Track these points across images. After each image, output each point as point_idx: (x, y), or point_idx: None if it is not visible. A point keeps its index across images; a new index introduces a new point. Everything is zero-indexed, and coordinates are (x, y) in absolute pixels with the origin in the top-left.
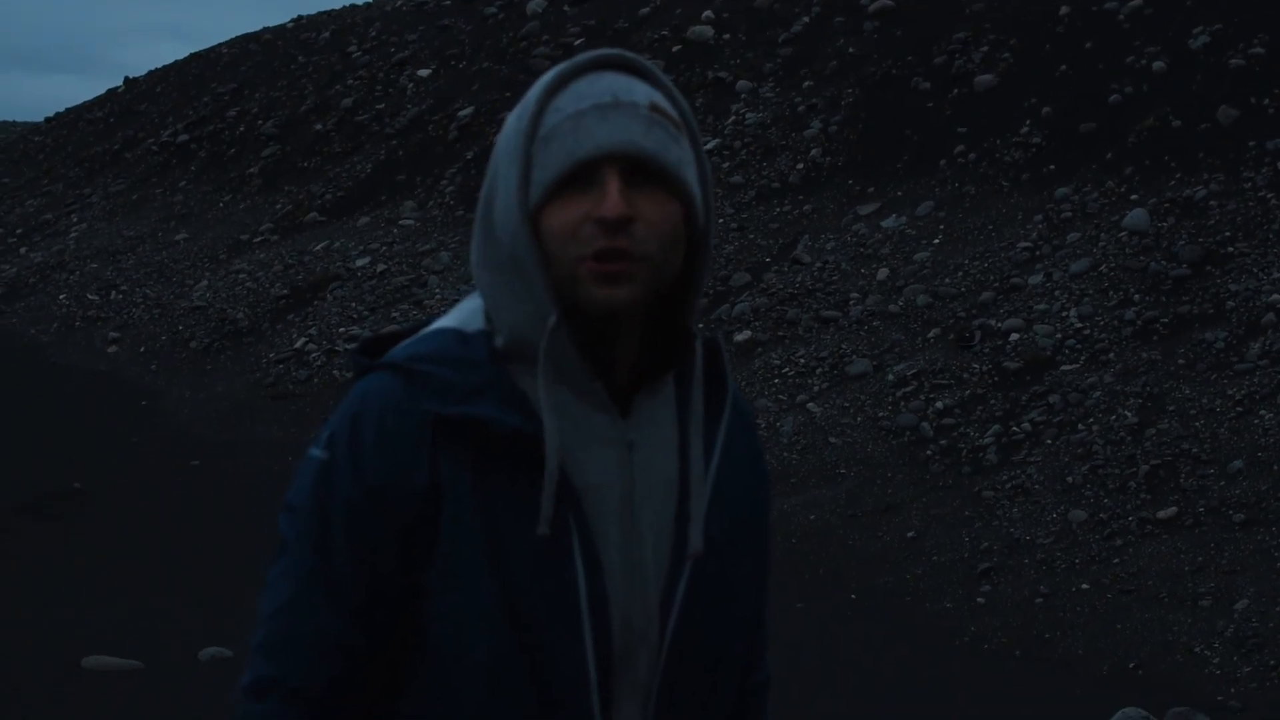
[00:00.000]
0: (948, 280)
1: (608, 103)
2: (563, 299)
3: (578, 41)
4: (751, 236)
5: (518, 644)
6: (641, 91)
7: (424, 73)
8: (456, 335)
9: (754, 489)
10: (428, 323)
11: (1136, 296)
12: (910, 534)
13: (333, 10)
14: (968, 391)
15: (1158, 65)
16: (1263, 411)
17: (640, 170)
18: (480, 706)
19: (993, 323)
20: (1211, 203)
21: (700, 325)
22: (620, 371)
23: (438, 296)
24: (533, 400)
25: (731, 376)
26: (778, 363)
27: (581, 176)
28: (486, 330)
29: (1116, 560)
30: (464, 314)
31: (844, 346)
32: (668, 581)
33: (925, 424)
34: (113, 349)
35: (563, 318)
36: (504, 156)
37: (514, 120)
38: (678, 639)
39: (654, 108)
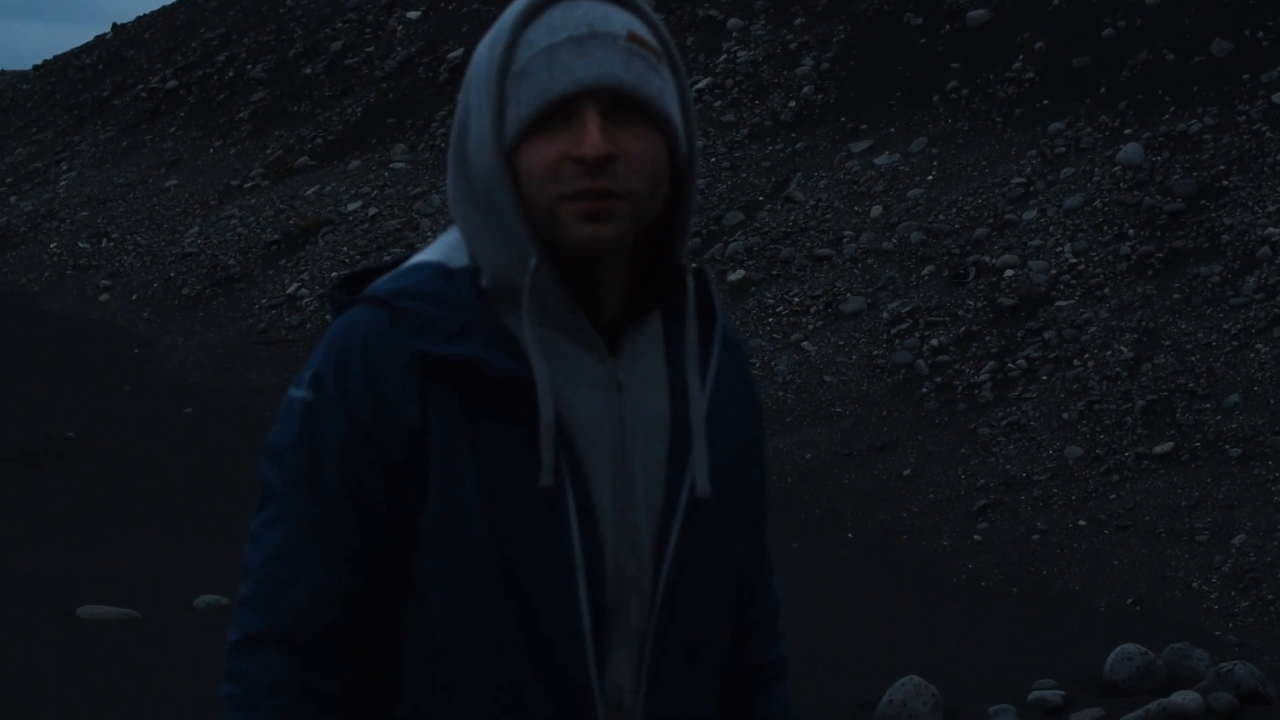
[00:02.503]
0: (941, 217)
1: (584, 34)
2: (543, 238)
3: None
4: (744, 175)
5: (510, 591)
6: (619, 20)
7: (413, 15)
8: (441, 270)
9: (746, 424)
10: (407, 257)
11: (1131, 231)
12: (906, 472)
13: None
14: (963, 329)
15: None
16: (1259, 345)
17: (620, 104)
18: (472, 654)
19: (987, 259)
20: (1205, 136)
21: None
22: (606, 309)
23: (430, 239)
24: (519, 340)
25: (720, 308)
26: (771, 302)
27: (559, 112)
28: (471, 266)
29: (1113, 496)
30: (446, 248)
31: (838, 285)
32: (660, 527)
33: (920, 361)
34: (104, 297)
35: (544, 258)
36: (476, 91)
37: (485, 52)
38: (671, 586)
39: (632, 37)
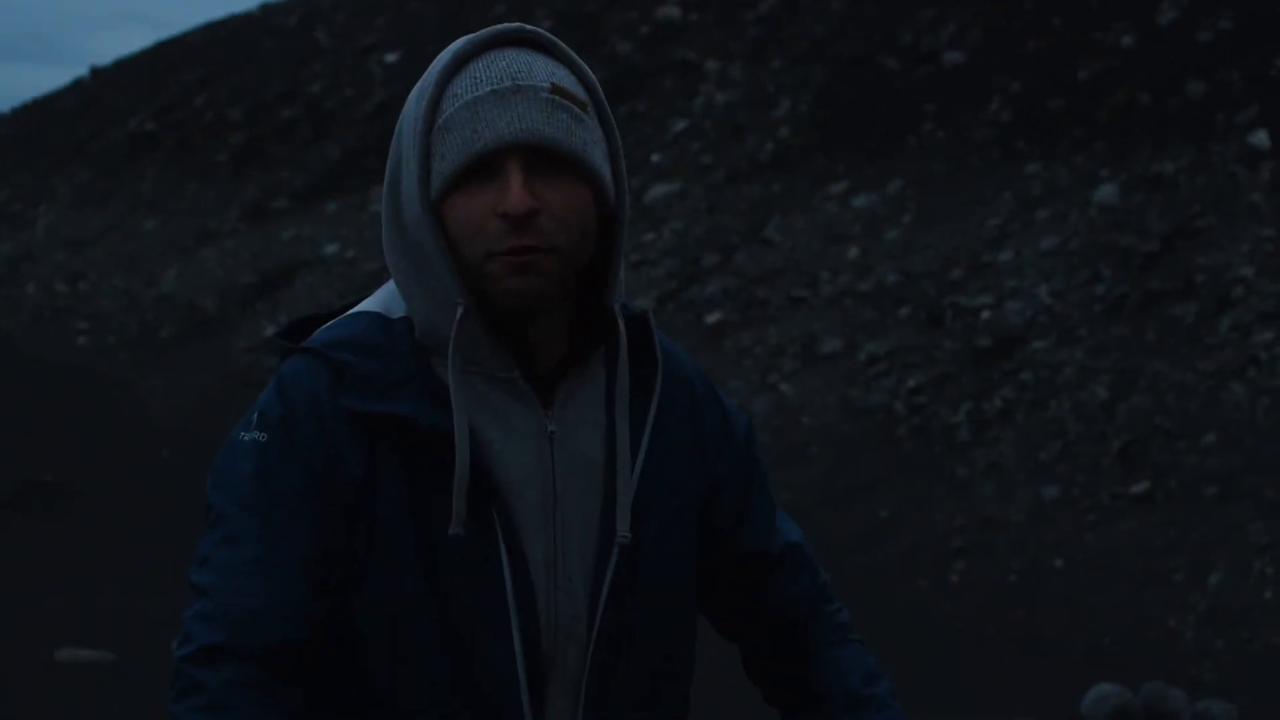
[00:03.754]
0: (918, 258)
1: (506, 87)
2: (473, 289)
3: (545, 24)
4: (721, 217)
5: (447, 642)
6: (543, 71)
7: (391, 58)
8: (379, 321)
9: (701, 466)
10: (352, 304)
11: (1107, 272)
12: (884, 513)
13: None
14: (939, 370)
15: (1126, 41)
16: (1234, 385)
17: (544, 157)
18: (409, 703)
19: (963, 300)
20: (1181, 177)
21: (647, 306)
22: (542, 359)
23: None
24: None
25: (660, 350)
26: (749, 343)
27: (483, 167)
28: (409, 317)
29: (1089, 537)
30: (387, 297)
31: (815, 326)
32: (595, 574)
33: (897, 403)
34: (82, 339)
35: (473, 308)
36: (405, 143)
37: (413, 104)
38: (605, 634)
39: (555, 89)
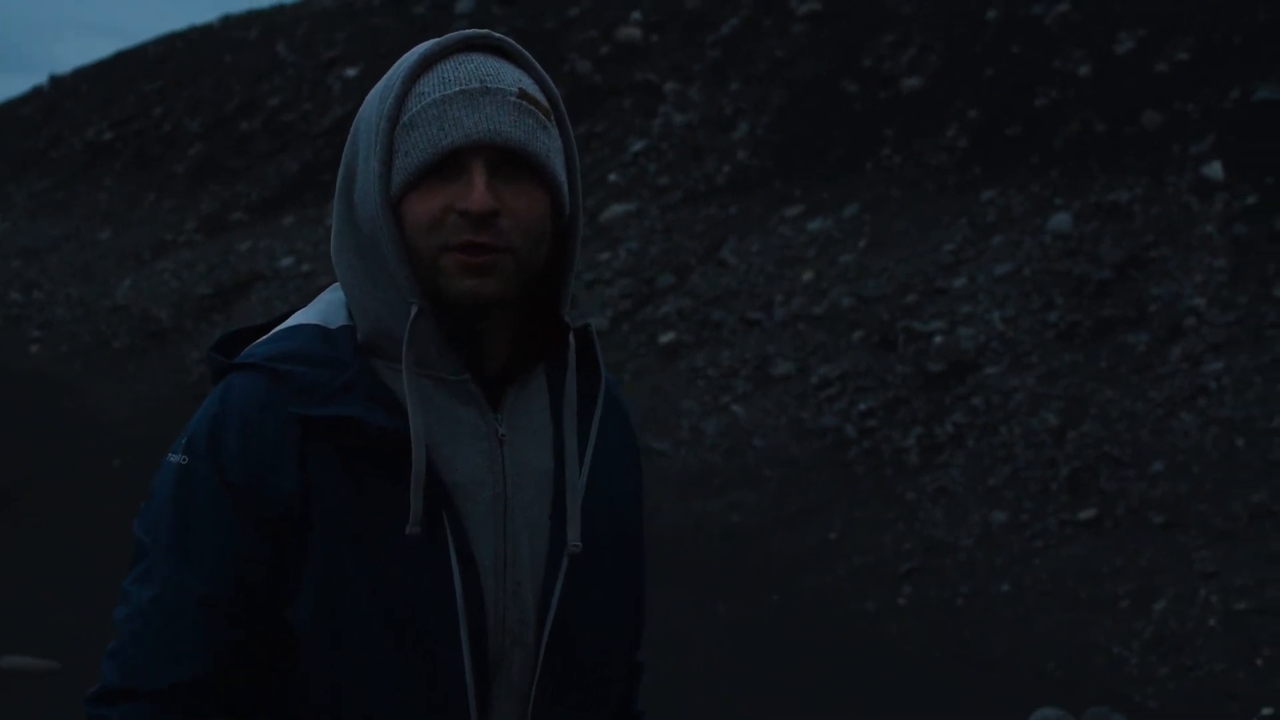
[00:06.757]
0: (872, 283)
1: (475, 89)
2: (425, 289)
3: None
4: (677, 238)
5: (395, 646)
6: (510, 76)
7: (351, 72)
8: (319, 331)
9: (629, 479)
10: (286, 315)
11: (1059, 300)
12: (832, 535)
13: (261, 9)
14: (891, 394)
15: (1084, 70)
16: (1183, 414)
17: (507, 159)
18: (357, 708)
19: (917, 325)
20: (1135, 206)
21: (597, 323)
22: (490, 363)
23: None
24: (399, 395)
25: (603, 363)
26: (702, 364)
27: (446, 165)
28: (349, 325)
29: (1037, 561)
30: (325, 307)
31: (768, 348)
32: (544, 581)
33: (848, 426)
34: (35, 348)
35: (426, 308)
36: (364, 139)
37: (375, 102)
38: (554, 641)
39: (522, 94)
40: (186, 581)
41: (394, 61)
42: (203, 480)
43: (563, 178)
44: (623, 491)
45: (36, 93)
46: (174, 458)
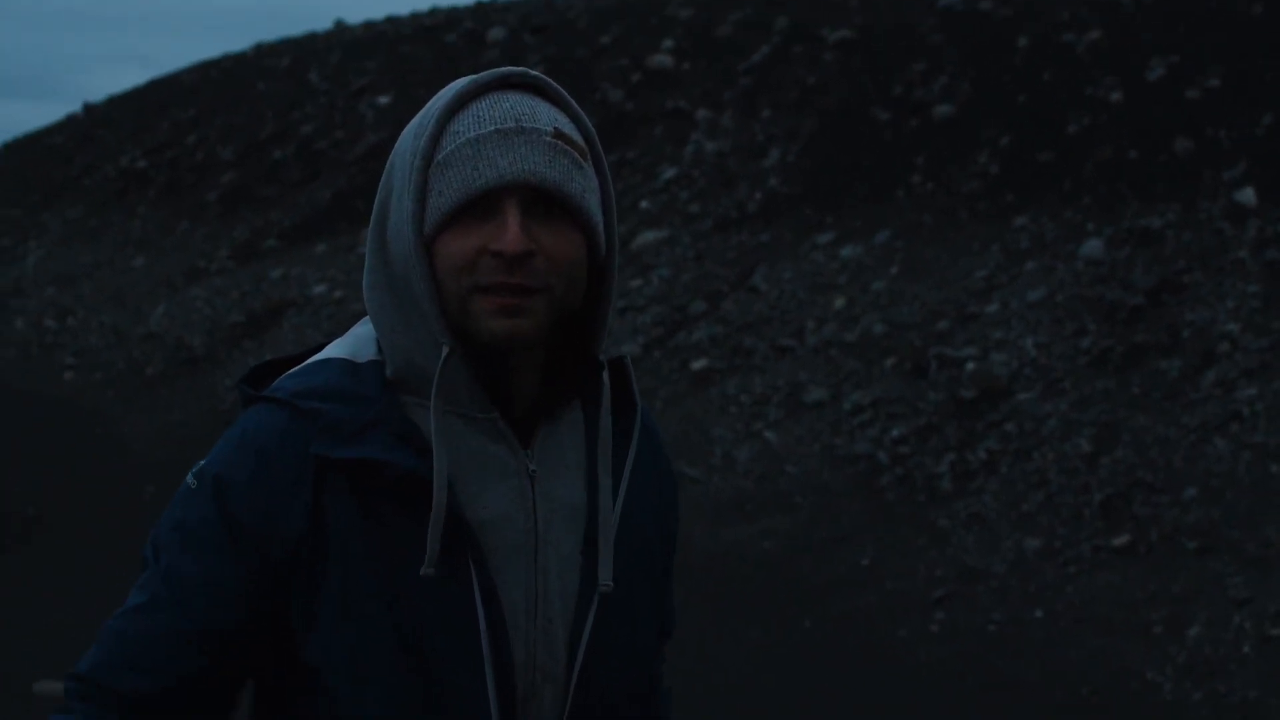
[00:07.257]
0: (904, 309)
1: (510, 128)
2: (456, 329)
3: (537, 70)
4: (709, 265)
5: (416, 685)
6: (545, 115)
7: (383, 100)
8: (347, 366)
9: (662, 515)
10: (319, 347)
11: (1092, 326)
12: (865, 562)
13: (293, 37)
14: (923, 420)
15: (1115, 96)
16: (1216, 440)
17: (542, 200)
18: None
19: (949, 351)
20: (1168, 232)
21: (629, 352)
22: (520, 401)
23: None
24: (425, 433)
25: (640, 397)
26: (734, 391)
27: (480, 205)
28: (378, 360)
29: (1070, 588)
30: (355, 342)
31: (800, 375)
32: (575, 616)
33: (881, 452)
34: (69, 375)
35: (456, 347)
36: (399, 178)
37: (410, 140)
38: (585, 675)
39: (557, 134)
40: (164, 606)
41: (426, 89)
42: (204, 510)
43: (598, 217)
44: (656, 527)
45: (70, 120)
46: (189, 480)
